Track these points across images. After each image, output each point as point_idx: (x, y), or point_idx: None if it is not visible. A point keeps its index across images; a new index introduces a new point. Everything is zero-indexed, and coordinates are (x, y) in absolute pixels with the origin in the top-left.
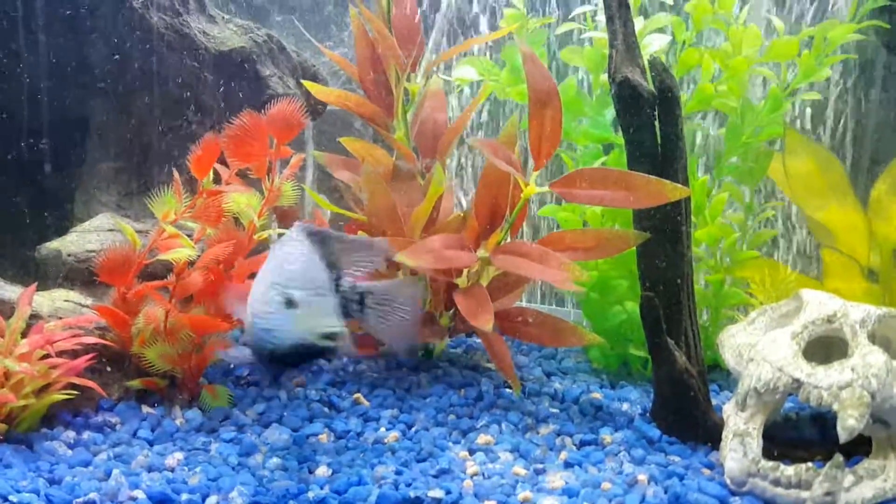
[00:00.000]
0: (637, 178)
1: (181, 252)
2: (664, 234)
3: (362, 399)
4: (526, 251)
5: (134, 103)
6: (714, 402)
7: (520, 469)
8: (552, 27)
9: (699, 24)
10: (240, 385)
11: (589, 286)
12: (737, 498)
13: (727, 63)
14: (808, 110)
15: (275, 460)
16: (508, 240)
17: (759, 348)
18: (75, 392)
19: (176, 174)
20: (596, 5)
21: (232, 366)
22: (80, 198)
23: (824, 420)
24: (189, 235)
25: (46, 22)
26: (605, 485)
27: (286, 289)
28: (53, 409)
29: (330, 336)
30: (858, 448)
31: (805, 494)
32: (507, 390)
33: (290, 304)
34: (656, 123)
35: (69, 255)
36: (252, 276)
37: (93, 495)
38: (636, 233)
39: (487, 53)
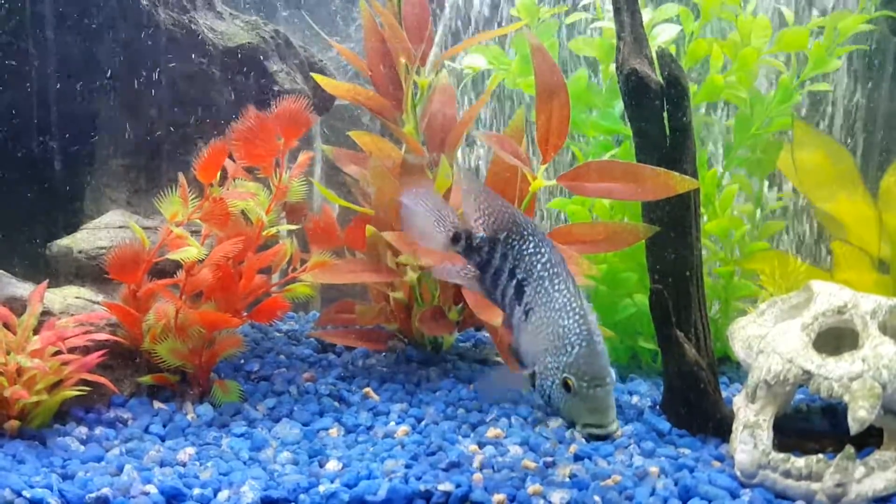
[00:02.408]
0: (645, 171)
1: (189, 251)
2: (673, 227)
3: (372, 393)
4: None
5: (142, 100)
6: (724, 394)
7: (529, 462)
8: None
9: (707, 14)
10: (250, 380)
11: (598, 279)
12: (747, 490)
13: (736, 54)
14: (819, 101)
15: (285, 454)
16: None
17: (770, 340)
18: (87, 388)
19: (182, 178)
20: None
21: (243, 361)
22: (91, 195)
23: (835, 411)
24: (198, 232)
25: (55, 20)
26: (615, 477)
27: None
28: (66, 405)
29: None
30: (869, 439)
31: (816, 486)
32: None
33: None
34: (664, 115)
35: (80, 252)
36: None
37: (105, 490)
38: (645, 226)
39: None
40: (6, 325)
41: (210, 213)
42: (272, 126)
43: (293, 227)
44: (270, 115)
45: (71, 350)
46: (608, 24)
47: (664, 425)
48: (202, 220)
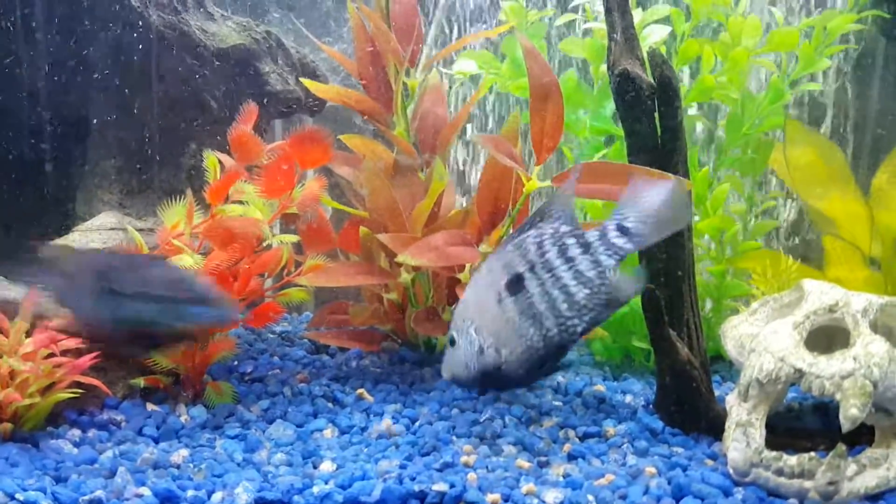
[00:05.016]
0: (639, 172)
1: (186, 260)
2: None
3: (366, 394)
4: None
5: (134, 101)
6: (717, 393)
7: (523, 462)
8: (552, 18)
9: (698, 15)
10: (244, 382)
11: None
12: (740, 488)
13: (727, 54)
14: (809, 100)
15: (279, 456)
16: None
17: (761, 339)
18: (80, 391)
19: (190, 196)
20: None
21: (236, 362)
22: (82, 196)
23: (827, 409)
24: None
25: (46, 21)
26: (609, 476)
27: None
28: (58, 407)
29: None
30: (861, 437)
31: (808, 484)
32: None
33: None
34: (656, 115)
35: None
36: None
37: (99, 493)
38: None
39: (491, 48)
40: None
41: (212, 231)
42: (292, 158)
43: (293, 238)
44: (288, 143)
45: (63, 352)
46: (598, 25)
47: (657, 424)
48: (204, 235)
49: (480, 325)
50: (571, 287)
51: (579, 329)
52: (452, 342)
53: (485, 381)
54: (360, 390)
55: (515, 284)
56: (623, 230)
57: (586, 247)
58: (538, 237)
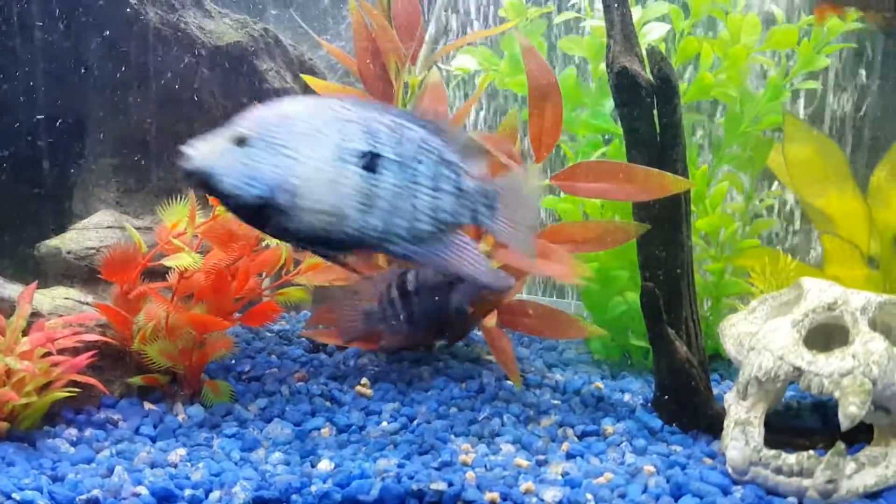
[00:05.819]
0: (638, 171)
1: (185, 259)
2: (664, 224)
3: (365, 390)
4: None
5: (131, 99)
6: (715, 391)
7: (522, 460)
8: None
9: (697, 12)
10: (241, 380)
11: (589, 278)
12: (739, 486)
13: (726, 52)
14: (807, 98)
15: (277, 455)
16: None
17: (760, 337)
18: (77, 389)
19: (192, 196)
20: None
21: (234, 361)
22: (79, 195)
23: (826, 408)
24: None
25: (43, 19)
26: (607, 475)
27: None
28: (55, 406)
29: None
30: (860, 435)
31: (807, 482)
32: (509, 382)
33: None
34: (655, 113)
35: (69, 253)
36: None
37: (96, 492)
38: (636, 224)
39: (489, 43)
40: None
41: (213, 231)
42: None
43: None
44: None
45: (60, 351)
46: (597, 22)
47: (656, 423)
48: (204, 236)
49: (299, 164)
50: (420, 218)
51: (393, 248)
52: (241, 140)
53: (244, 206)
54: (358, 387)
55: (372, 161)
56: (491, 204)
57: (461, 192)
58: (423, 142)
